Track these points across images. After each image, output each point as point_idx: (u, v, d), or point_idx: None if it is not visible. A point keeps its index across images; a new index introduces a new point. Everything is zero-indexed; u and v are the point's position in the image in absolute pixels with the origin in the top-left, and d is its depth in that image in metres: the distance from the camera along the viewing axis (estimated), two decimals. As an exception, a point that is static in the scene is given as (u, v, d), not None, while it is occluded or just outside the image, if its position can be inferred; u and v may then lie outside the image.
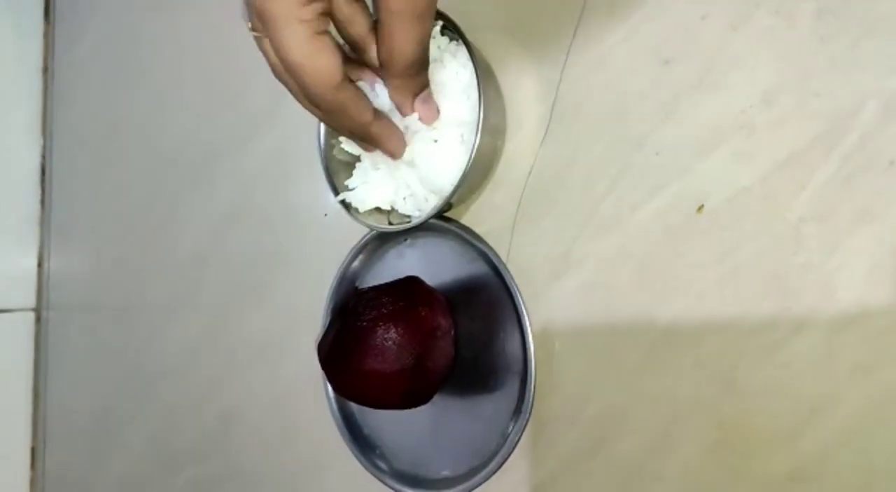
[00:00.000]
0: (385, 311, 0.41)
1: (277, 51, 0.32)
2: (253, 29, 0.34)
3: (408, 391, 0.41)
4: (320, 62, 0.33)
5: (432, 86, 0.43)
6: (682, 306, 0.38)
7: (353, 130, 0.38)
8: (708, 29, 0.37)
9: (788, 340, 0.35)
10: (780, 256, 0.36)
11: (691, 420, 0.38)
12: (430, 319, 0.42)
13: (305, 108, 0.37)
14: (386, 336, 0.41)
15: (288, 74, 0.34)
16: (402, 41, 0.34)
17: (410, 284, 0.44)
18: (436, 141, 0.42)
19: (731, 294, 0.37)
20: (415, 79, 0.37)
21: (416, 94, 0.39)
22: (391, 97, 0.39)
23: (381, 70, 0.37)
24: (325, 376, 0.51)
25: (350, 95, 0.35)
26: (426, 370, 0.41)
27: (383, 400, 0.42)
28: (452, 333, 0.44)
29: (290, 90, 0.36)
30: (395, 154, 0.41)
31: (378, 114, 0.38)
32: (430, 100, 0.40)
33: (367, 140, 0.39)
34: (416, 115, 0.41)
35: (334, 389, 0.44)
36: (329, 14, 0.34)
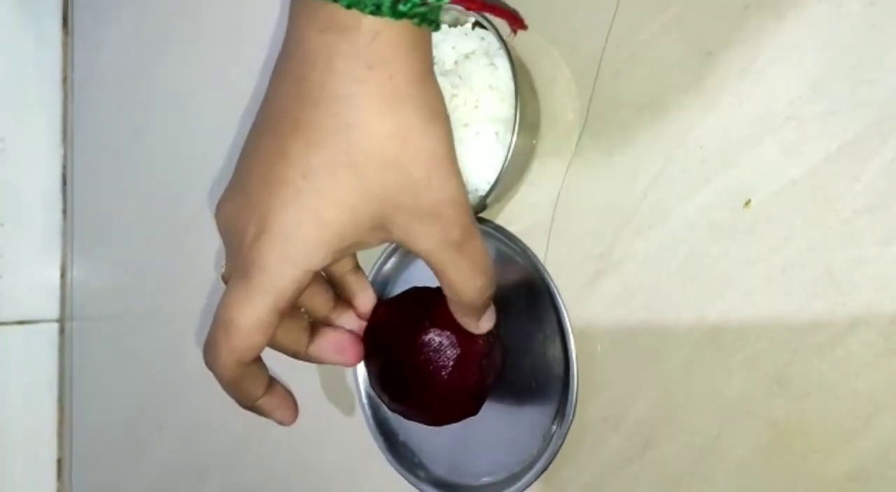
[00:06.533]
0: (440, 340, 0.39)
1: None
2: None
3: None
4: (246, 330, 0.31)
5: (465, 83, 0.42)
6: (730, 304, 0.37)
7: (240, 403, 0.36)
8: (752, 18, 0.36)
9: (843, 337, 0.34)
10: (832, 251, 0.34)
11: (742, 421, 0.37)
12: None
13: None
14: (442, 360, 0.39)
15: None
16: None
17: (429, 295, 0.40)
18: (477, 133, 0.41)
19: (782, 291, 0.36)
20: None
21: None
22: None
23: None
24: (356, 381, 0.50)
25: (248, 374, 0.33)
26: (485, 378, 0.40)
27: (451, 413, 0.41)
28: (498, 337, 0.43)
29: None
30: (284, 423, 0.38)
31: (271, 384, 0.36)
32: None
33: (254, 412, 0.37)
34: None
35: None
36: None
